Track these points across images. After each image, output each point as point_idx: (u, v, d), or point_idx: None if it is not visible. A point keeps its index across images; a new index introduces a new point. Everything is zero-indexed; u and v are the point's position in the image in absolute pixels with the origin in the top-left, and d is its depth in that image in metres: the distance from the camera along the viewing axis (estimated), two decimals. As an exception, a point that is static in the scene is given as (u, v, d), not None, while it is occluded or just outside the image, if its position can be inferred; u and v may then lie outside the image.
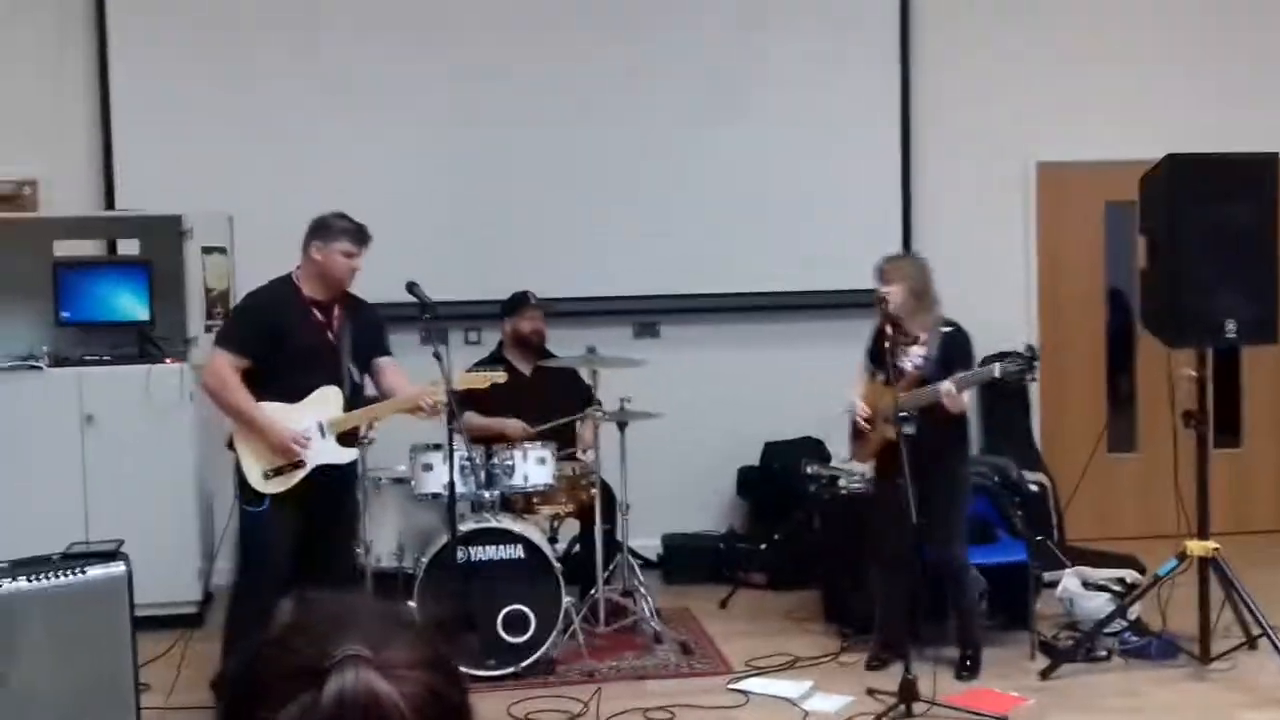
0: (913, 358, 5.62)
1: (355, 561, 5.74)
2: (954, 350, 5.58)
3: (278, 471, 5.18)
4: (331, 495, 5.33)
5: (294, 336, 5.20)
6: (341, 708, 1.18)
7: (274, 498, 5.18)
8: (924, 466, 5.38)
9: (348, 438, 5.31)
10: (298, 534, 5.25)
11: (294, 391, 5.20)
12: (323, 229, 5.23)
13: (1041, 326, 8.11)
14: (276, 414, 5.15)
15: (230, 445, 5.27)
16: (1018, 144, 7.98)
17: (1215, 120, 7.69)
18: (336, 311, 5.29)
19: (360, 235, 5.23)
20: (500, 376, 5.66)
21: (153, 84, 7.35)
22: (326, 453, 5.23)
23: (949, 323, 5.65)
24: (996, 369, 5.37)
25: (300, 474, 5.19)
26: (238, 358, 5.17)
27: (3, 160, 7.27)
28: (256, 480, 5.19)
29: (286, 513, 5.20)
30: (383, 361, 5.45)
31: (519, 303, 6.77)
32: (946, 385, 5.36)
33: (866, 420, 5.67)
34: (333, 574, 5.42)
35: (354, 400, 5.32)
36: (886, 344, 5.47)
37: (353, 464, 5.42)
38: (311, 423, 5.19)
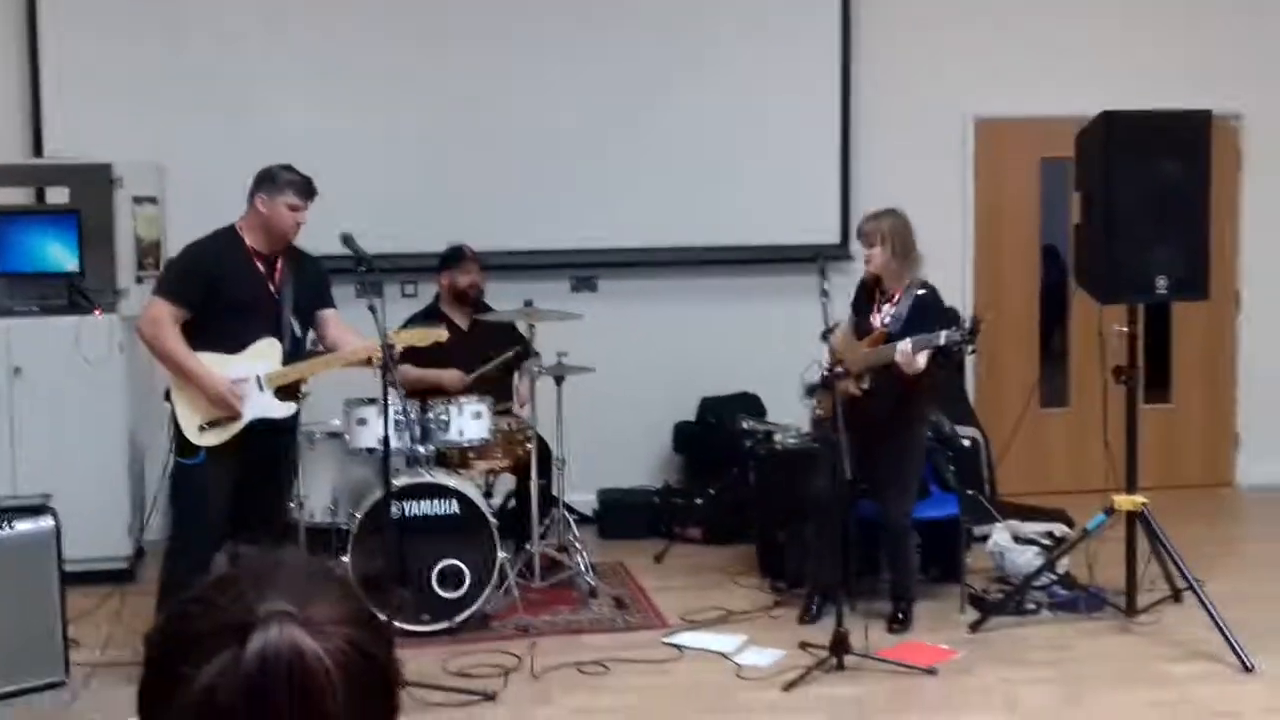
0: (884, 315, 5.64)
1: (285, 516, 5.70)
2: (922, 312, 5.59)
3: (213, 424, 5.12)
4: (268, 449, 5.28)
5: (234, 287, 5.13)
6: (265, 664, 1.17)
7: (209, 450, 5.12)
8: (876, 424, 5.42)
9: (286, 392, 5.25)
10: (233, 487, 5.20)
11: (233, 343, 5.14)
12: (269, 181, 5.16)
13: (976, 282, 8.17)
14: (214, 365, 5.09)
15: (167, 397, 5.21)
16: (955, 99, 8.00)
17: (1151, 77, 7.73)
18: (279, 264, 5.23)
19: (306, 188, 5.17)
20: (442, 334, 5.62)
21: (83, 29, 7.20)
22: (264, 406, 5.17)
23: (924, 284, 5.66)
24: (942, 336, 5.38)
25: (236, 426, 5.13)
26: (176, 307, 5.10)
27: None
28: (192, 432, 5.13)
29: (222, 466, 5.14)
30: (326, 314, 5.40)
31: (455, 256, 6.73)
32: (902, 345, 5.38)
33: (831, 372, 5.64)
34: (267, 528, 5.39)
35: (295, 354, 5.27)
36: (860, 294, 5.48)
37: (291, 418, 5.36)
38: (249, 375, 5.14)
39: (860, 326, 5.67)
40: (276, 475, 5.45)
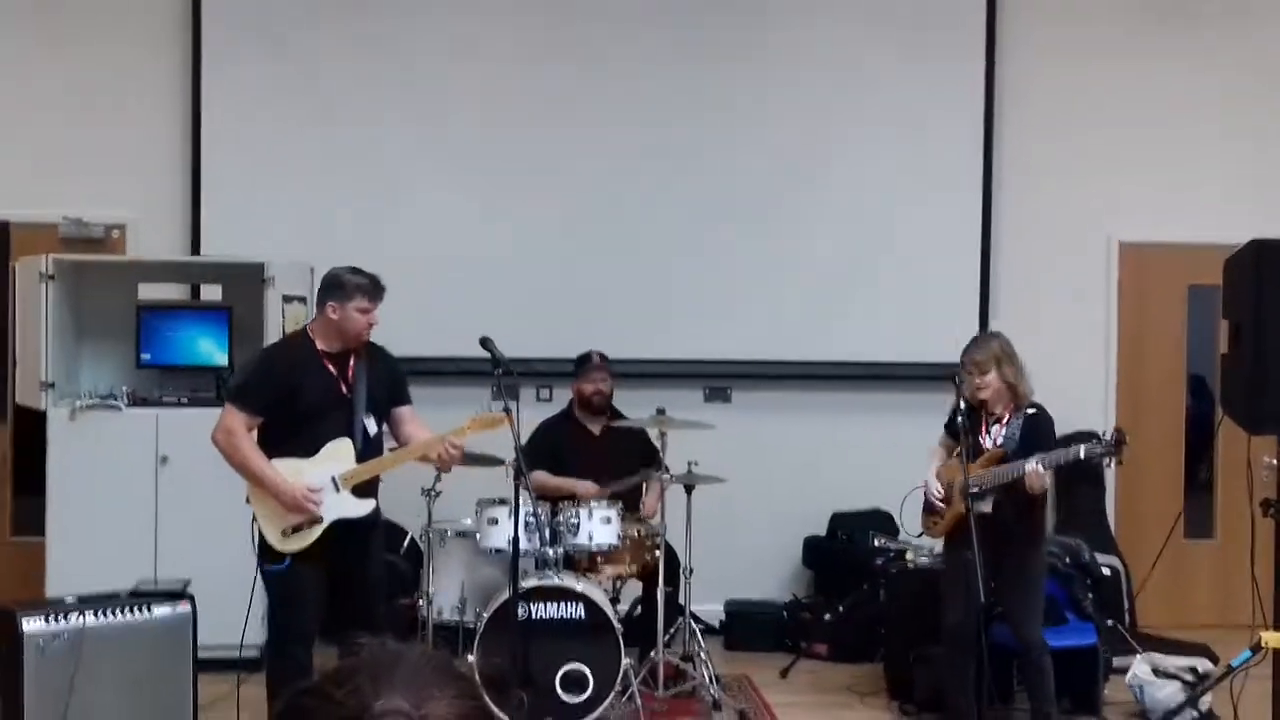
0: (994, 436, 5.56)
1: (381, 613, 5.57)
2: (1036, 431, 5.52)
3: (295, 529, 5.11)
4: (353, 548, 5.23)
5: (307, 391, 5.14)
6: None
7: (295, 555, 5.12)
8: (999, 546, 5.33)
9: (364, 489, 5.24)
10: (323, 589, 5.18)
11: (307, 446, 5.14)
12: (337, 287, 5.17)
13: (1120, 408, 8.00)
14: (288, 470, 5.09)
15: (248, 502, 5.23)
16: (1100, 222, 7.92)
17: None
18: (351, 362, 5.24)
19: (375, 290, 5.18)
20: (501, 417, 5.50)
21: (242, 133, 7.52)
22: (342, 506, 5.15)
23: (1033, 404, 5.59)
24: (1081, 450, 5.30)
25: (318, 530, 5.12)
26: (249, 415, 5.14)
27: (93, 204, 7.45)
28: (274, 539, 5.13)
29: (309, 569, 5.12)
30: (402, 411, 5.38)
31: (582, 363, 6.78)
32: (1031, 464, 5.30)
33: (942, 498, 5.60)
34: (361, 627, 5.32)
35: (370, 452, 5.24)
36: (961, 418, 5.42)
37: (373, 514, 5.31)
38: (324, 477, 5.12)
39: (969, 449, 5.54)
40: (365, 572, 5.35)
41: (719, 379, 7.81)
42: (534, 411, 6.67)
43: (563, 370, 7.04)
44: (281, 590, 5.19)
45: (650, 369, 7.46)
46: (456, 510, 6.28)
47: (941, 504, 5.60)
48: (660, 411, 6.34)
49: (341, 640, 5.31)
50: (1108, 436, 5.26)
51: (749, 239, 7.72)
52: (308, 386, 5.15)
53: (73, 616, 4.95)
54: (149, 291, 7.10)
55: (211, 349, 6.92)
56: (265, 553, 5.15)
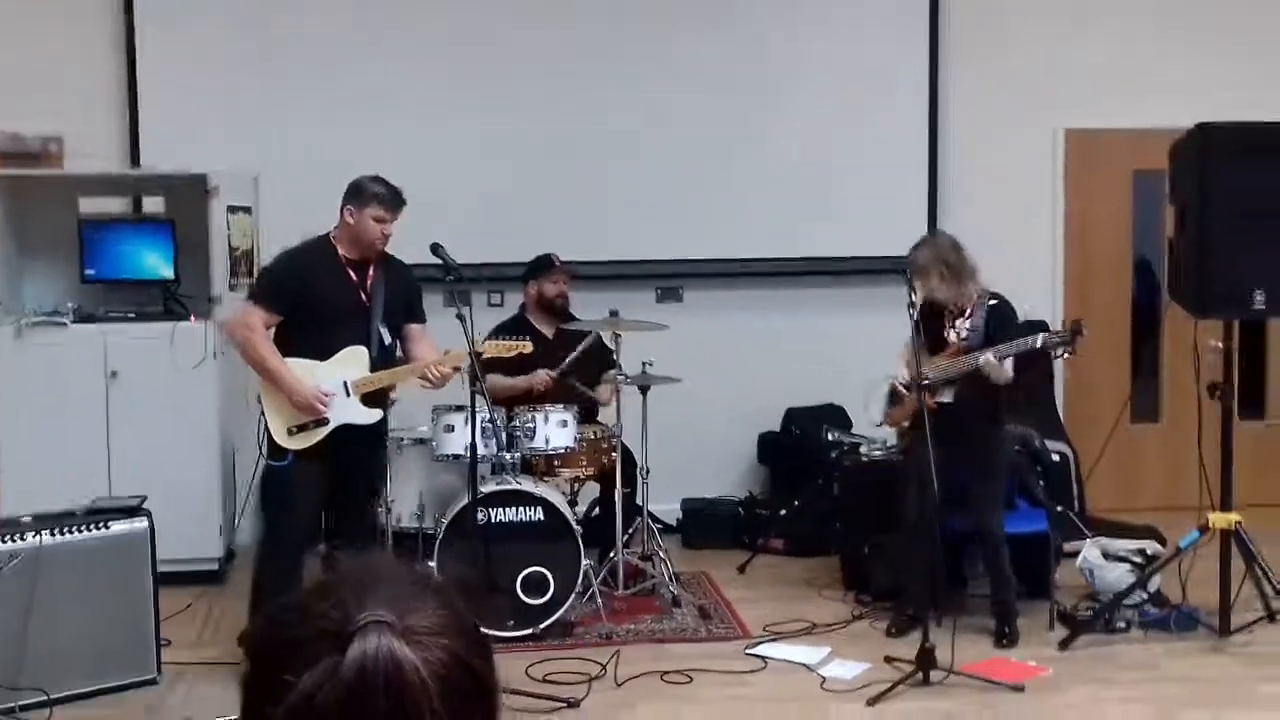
0: (959, 329, 5.61)
1: (377, 520, 5.76)
2: (997, 321, 5.60)
3: (301, 428, 5.21)
4: (355, 454, 5.35)
5: (325, 295, 5.23)
6: (363, 673, 1.18)
7: (297, 454, 5.21)
8: (960, 435, 5.40)
9: (373, 398, 5.32)
10: (321, 490, 5.30)
11: (322, 349, 5.23)
12: (357, 192, 5.25)
13: (1067, 295, 8.07)
14: (302, 371, 5.19)
15: (259, 400, 5.31)
16: (1045, 111, 7.92)
17: (1247, 89, 7.60)
18: (371, 272, 5.31)
19: (393, 200, 5.25)
20: (527, 347, 5.69)
21: (179, 42, 7.34)
22: (350, 411, 5.26)
23: (994, 295, 5.65)
24: (1039, 339, 5.37)
25: (323, 431, 5.22)
26: (268, 314, 5.22)
27: (29, 117, 7.27)
28: (280, 436, 5.22)
29: (310, 469, 5.23)
30: (413, 328, 5.49)
31: (544, 265, 6.76)
32: (987, 355, 5.37)
33: (905, 387, 5.65)
34: (354, 531, 5.46)
35: (383, 361, 5.34)
36: (912, 312, 5.45)
37: (379, 424, 5.43)
38: (337, 381, 5.22)
39: (933, 342, 5.61)
40: (364, 480, 5.52)
41: (671, 279, 7.79)
42: (485, 316, 6.63)
43: (512, 275, 7.00)
44: (280, 488, 5.29)
45: (601, 270, 7.42)
46: (413, 419, 6.28)
47: (905, 391, 5.65)
48: (613, 313, 6.33)
49: (325, 545, 5.40)
50: (1062, 326, 5.31)
51: (698, 138, 7.65)
52: (327, 290, 5.23)
53: (29, 535, 4.93)
54: (90, 206, 6.97)
55: (157, 262, 6.84)
56: (269, 450, 5.25)
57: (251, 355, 5.24)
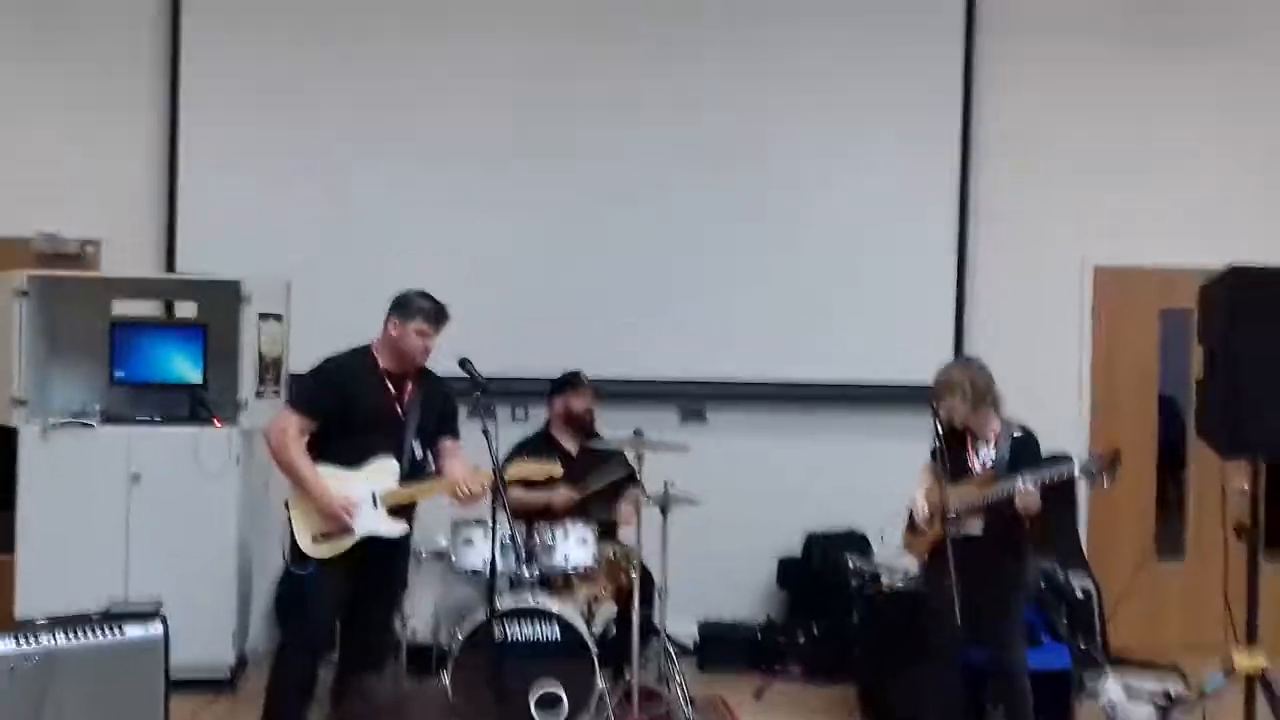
0: (983, 458, 5.58)
1: (394, 631, 5.72)
2: (1023, 452, 5.55)
3: (326, 536, 5.22)
4: (379, 566, 5.35)
5: (363, 405, 5.28)
6: None
7: (321, 562, 5.22)
8: (985, 568, 5.33)
9: (400, 511, 5.33)
10: (342, 601, 5.28)
11: (354, 459, 5.27)
12: (402, 306, 5.34)
13: (1093, 430, 8.04)
14: (332, 479, 5.21)
15: (287, 506, 5.32)
16: (1074, 246, 7.97)
17: (1276, 231, 7.64)
18: (409, 386, 5.36)
19: (437, 316, 5.34)
20: (557, 470, 5.72)
21: (218, 151, 7.48)
22: (376, 523, 5.27)
23: (1021, 427, 5.62)
24: (1075, 465, 5.33)
25: (349, 541, 5.23)
26: (305, 419, 5.27)
27: (67, 220, 7.41)
28: (305, 543, 5.23)
29: (332, 578, 5.23)
30: (446, 444, 5.52)
31: (571, 382, 6.78)
32: (1019, 482, 5.31)
33: (926, 518, 5.59)
34: (370, 645, 5.42)
35: (414, 475, 5.36)
36: (938, 441, 5.43)
37: (404, 537, 5.43)
38: (365, 491, 5.24)
39: (956, 472, 5.56)
40: (386, 593, 5.52)
41: (694, 399, 7.81)
42: (509, 431, 6.63)
43: (537, 390, 7.02)
44: (301, 593, 5.27)
45: (625, 389, 7.45)
46: (431, 531, 6.26)
47: (925, 525, 5.60)
48: (637, 433, 6.33)
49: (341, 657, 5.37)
50: (1091, 456, 5.28)
51: (724, 261, 7.73)
52: (365, 400, 5.28)
53: (43, 637, 4.90)
54: (123, 308, 7.05)
55: (186, 367, 6.89)
56: (294, 556, 5.26)
57: (283, 459, 5.26)
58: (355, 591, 5.30)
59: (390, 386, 5.35)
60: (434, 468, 5.48)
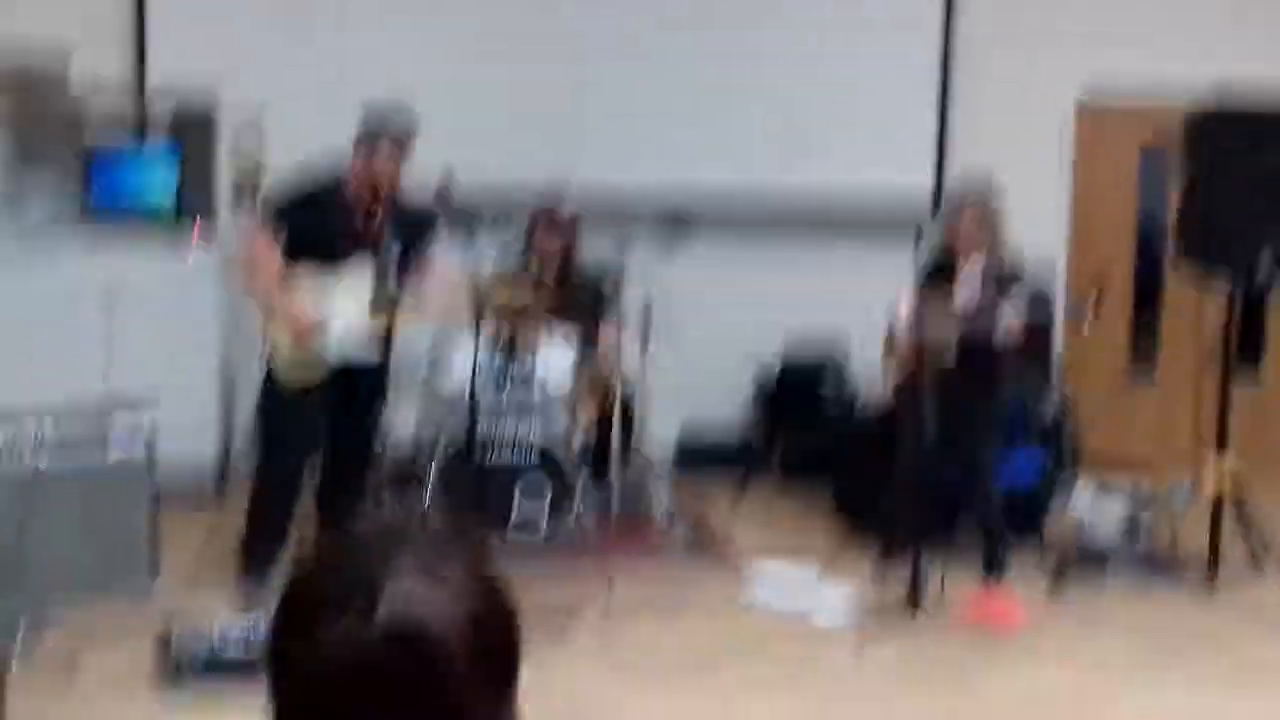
0: (970, 288, 5.56)
1: (374, 451, 5.74)
2: (1000, 275, 5.54)
3: (303, 363, 5.20)
4: (356, 386, 5.34)
5: (333, 228, 5.21)
6: (391, 629, 1.18)
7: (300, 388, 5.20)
8: (963, 389, 5.38)
9: (377, 335, 5.31)
10: (318, 418, 5.28)
11: (330, 264, 5.21)
12: (368, 129, 5.22)
13: (1071, 260, 8.06)
14: (305, 299, 5.16)
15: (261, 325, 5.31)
16: (1058, 76, 7.90)
17: (1262, 62, 7.58)
18: (381, 209, 5.28)
19: (405, 136, 5.21)
20: (528, 297, 5.62)
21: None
22: (351, 346, 5.24)
23: (1004, 260, 5.59)
24: (1060, 303, 5.38)
25: (324, 366, 5.22)
26: (274, 238, 5.19)
27: (35, 25, 7.16)
28: (282, 363, 5.22)
29: (308, 397, 5.22)
30: (424, 261, 5.45)
31: (545, 217, 6.57)
32: (1007, 315, 5.31)
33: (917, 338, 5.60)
34: (352, 461, 5.46)
35: (388, 300, 5.31)
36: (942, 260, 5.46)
37: (382, 360, 5.43)
38: (338, 315, 5.20)
39: (938, 298, 5.58)
40: (365, 410, 5.50)
41: (677, 213, 7.66)
42: (491, 242, 6.52)
43: (521, 200, 6.83)
44: (277, 411, 5.27)
45: (609, 195, 7.27)
46: (411, 344, 6.24)
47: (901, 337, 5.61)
48: (619, 258, 6.27)
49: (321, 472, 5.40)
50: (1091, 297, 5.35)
51: (704, 72, 7.59)
52: (335, 222, 5.20)
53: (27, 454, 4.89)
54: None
55: (163, 185, 6.79)
56: (270, 373, 5.24)
57: (253, 280, 5.26)
58: (334, 411, 5.30)
59: (361, 209, 5.25)
60: (414, 287, 5.43)
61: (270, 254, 5.19)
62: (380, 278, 5.29)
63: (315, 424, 5.30)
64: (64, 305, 6.43)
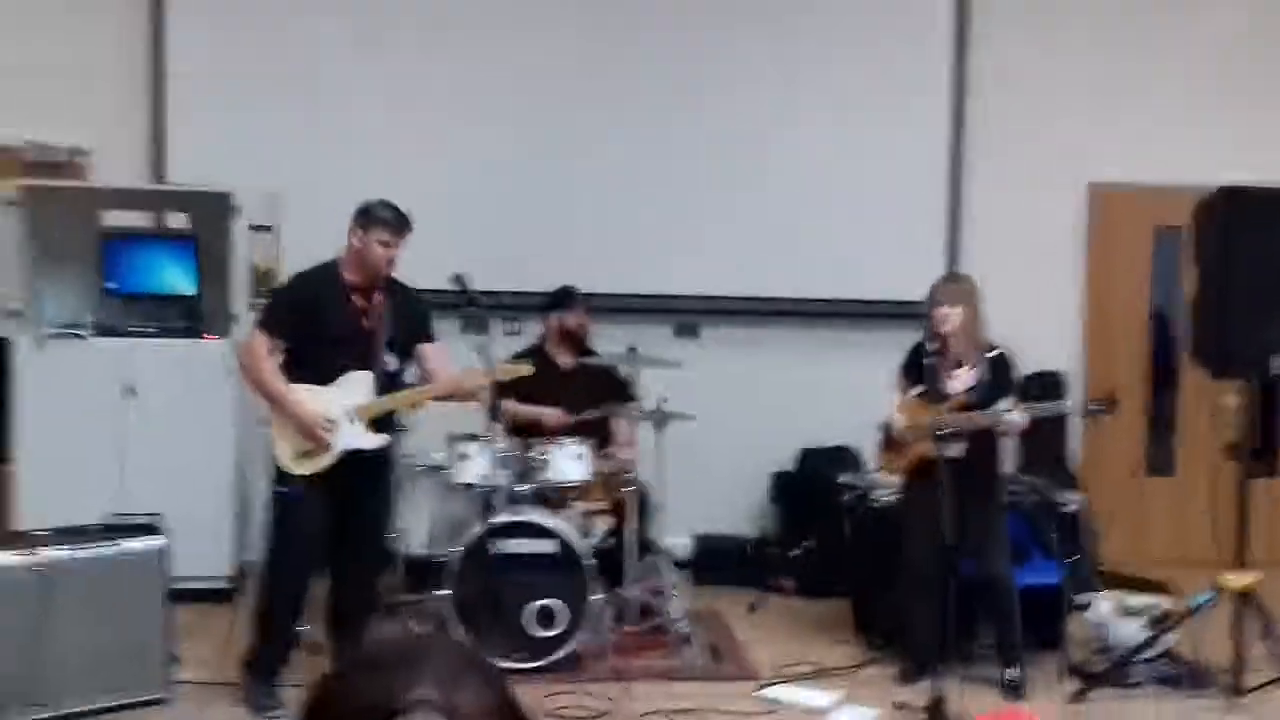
0: (961, 380, 5.61)
1: (386, 548, 5.74)
2: (1003, 374, 5.59)
3: (307, 454, 5.19)
4: (362, 480, 5.32)
5: (330, 321, 5.20)
6: None
7: (304, 480, 5.19)
8: (967, 486, 5.38)
9: (379, 424, 5.30)
10: (328, 517, 5.25)
11: (327, 375, 5.21)
12: (363, 216, 5.22)
13: (1085, 347, 8.06)
14: (306, 397, 5.16)
15: (267, 426, 5.29)
16: (1070, 163, 7.95)
17: (1269, 151, 7.62)
18: (377, 298, 5.27)
19: (399, 225, 5.20)
20: (527, 369, 5.65)
21: (208, 58, 7.38)
22: (354, 438, 5.22)
23: (994, 346, 5.64)
24: (1068, 405, 5.39)
25: (328, 458, 5.19)
26: (274, 339, 5.19)
27: (54, 129, 7.31)
28: (286, 461, 5.20)
29: (316, 495, 5.20)
30: (426, 348, 5.43)
31: (565, 297, 6.77)
32: (1015, 417, 5.36)
33: (904, 436, 5.65)
34: (363, 559, 5.44)
35: (389, 387, 5.30)
36: (928, 360, 5.47)
37: (385, 450, 5.40)
38: (340, 407, 5.19)
39: (933, 393, 5.60)
40: (372, 507, 5.46)
41: (688, 314, 7.81)
42: (501, 346, 6.62)
43: (530, 304, 7.01)
44: (286, 512, 5.23)
45: (619, 303, 7.44)
46: (426, 445, 6.28)
47: (906, 440, 5.63)
48: (631, 350, 6.33)
49: (333, 573, 5.37)
50: (1100, 397, 5.34)
51: (718, 174, 7.69)
52: (332, 315, 5.20)
53: (46, 549, 4.92)
54: (113, 220, 6.99)
55: (178, 278, 6.84)
56: (277, 476, 5.23)
57: (255, 379, 5.22)
58: (342, 507, 5.26)
59: (357, 300, 5.25)
60: (419, 375, 5.42)
61: (269, 350, 5.17)
62: (381, 363, 5.27)
63: (325, 526, 5.27)
64: (81, 401, 6.45)
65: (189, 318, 6.79)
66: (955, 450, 5.50)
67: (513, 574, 5.67)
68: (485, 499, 5.85)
